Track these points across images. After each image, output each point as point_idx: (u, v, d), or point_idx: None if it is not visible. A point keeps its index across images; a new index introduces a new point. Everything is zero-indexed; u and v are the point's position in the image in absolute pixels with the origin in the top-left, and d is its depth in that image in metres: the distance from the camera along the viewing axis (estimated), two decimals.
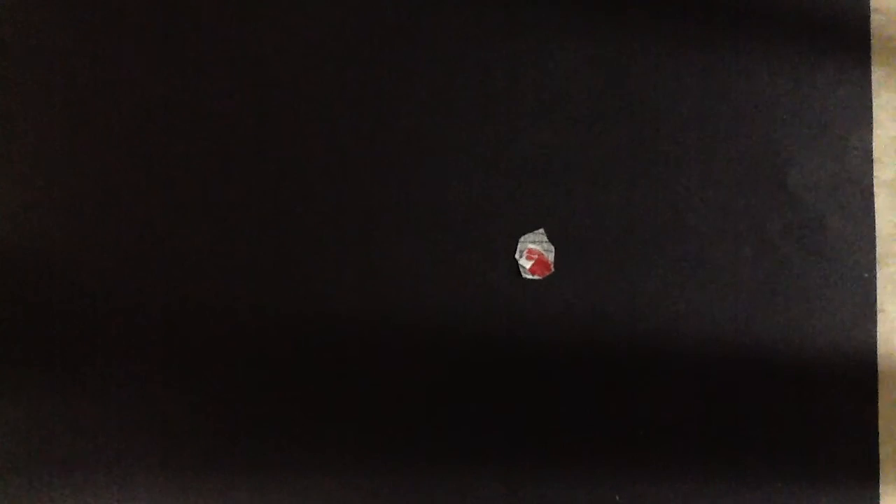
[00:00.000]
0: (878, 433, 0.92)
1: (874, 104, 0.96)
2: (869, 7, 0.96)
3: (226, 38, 0.93)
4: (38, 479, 0.88)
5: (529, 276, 0.90)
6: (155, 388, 0.89)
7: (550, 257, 0.90)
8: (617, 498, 0.90)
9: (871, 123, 0.95)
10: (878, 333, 0.93)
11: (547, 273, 0.90)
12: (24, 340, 0.89)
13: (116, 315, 0.90)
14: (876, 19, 0.96)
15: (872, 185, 0.94)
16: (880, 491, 0.91)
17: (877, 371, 0.92)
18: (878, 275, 0.93)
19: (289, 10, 0.93)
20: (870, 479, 0.91)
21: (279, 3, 0.93)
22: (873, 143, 0.95)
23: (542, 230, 0.91)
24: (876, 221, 0.94)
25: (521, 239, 0.90)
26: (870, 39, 0.96)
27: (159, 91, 0.92)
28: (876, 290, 0.93)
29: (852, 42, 0.96)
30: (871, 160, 0.95)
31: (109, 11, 0.93)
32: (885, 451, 0.92)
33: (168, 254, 0.90)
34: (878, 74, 0.96)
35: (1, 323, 0.89)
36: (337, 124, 0.92)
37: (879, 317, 0.93)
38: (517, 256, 0.90)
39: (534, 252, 0.90)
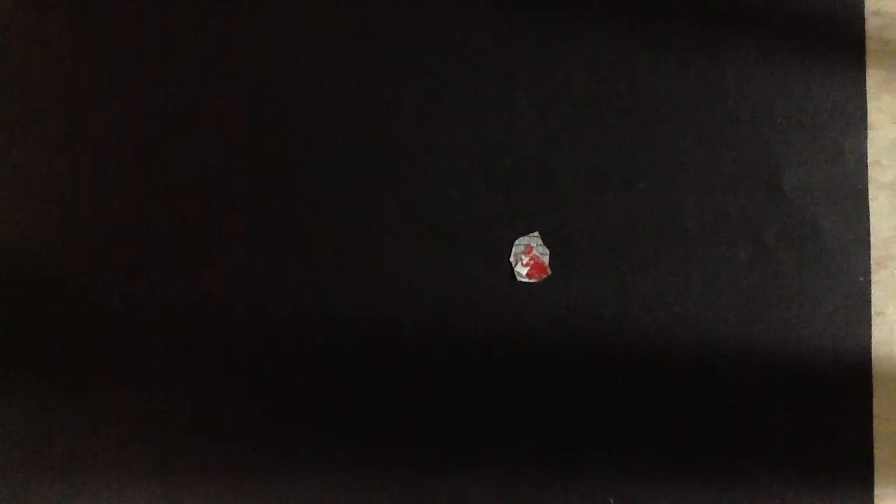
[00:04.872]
0: (872, 436, 0.92)
1: (873, 107, 0.95)
2: (863, 10, 0.96)
3: (224, 39, 0.93)
4: (36, 481, 0.89)
5: (525, 280, 0.90)
6: (152, 390, 0.90)
7: (546, 260, 0.90)
8: (611, 501, 0.90)
9: (866, 127, 0.95)
10: (873, 336, 0.93)
11: (543, 276, 0.90)
12: (21, 341, 0.90)
13: (114, 316, 0.90)
14: (873, 22, 0.96)
15: (867, 188, 0.94)
16: (875, 494, 0.91)
17: (871, 374, 0.92)
18: (876, 277, 0.93)
19: (287, 11, 0.94)
20: (865, 482, 0.91)
21: (278, 6, 0.94)
22: (869, 147, 0.95)
23: (536, 233, 0.91)
24: (874, 224, 0.94)
25: (517, 242, 0.91)
26: (864, 43, 0.96)
27: (159, 91, 0.93)
28: (871, 294, 0.93)
29: (847, 46, 0.96)
30: (866, 163, 0.95)
31: (109, 12, 0.93)
32: (879, 454, 0.92)
33: (165, 255, 0.91)
34: (876, 77, 0.95)
35: None
36: (333, 126, 0.93)
37: (877, 319, 0.93)
38: (512, 260, 0.90)
39: (529, 255, 0.90)
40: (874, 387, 0.92)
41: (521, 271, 0.90)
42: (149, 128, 0.93)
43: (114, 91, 0.93)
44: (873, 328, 0.93)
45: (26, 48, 0.94)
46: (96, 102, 0.93)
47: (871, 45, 0.96)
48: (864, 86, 0.96)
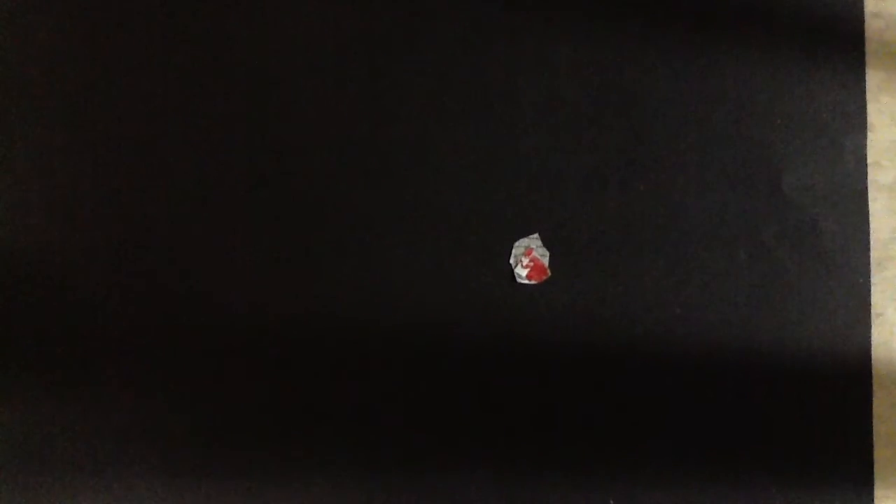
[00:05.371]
0: (872, 436, 0.92)
1: (873, 108, 0.96)
2: (863, 11, 0.96)
3: (225, 39, 0.94)
4: (35, 483, 0.89)
5: (525, 282, 0.90)
6: (152, 391, 0.90)
7: (545, 262, 0.90)
8: (611, 502, 0.90)
9: (866, 127, 0.95)
10: (873, 337, 0.93)
11: (543, 278, 0.90)
12: (21, 343, 0.90)
13: (114, 318, 0.91)
14: (873, 24, 0.96)
15: (867, 189, 0.94)
16: (875, 495, 0.91)
17: (871, 374, 0.92)
18: (876, 278, 0.93)
19: (287, 12, 0.94)
20: (865, 483, 0.91)
21: (278, 5, 0.94)
22: (869, 147, 0.95)
23: (536, 234, 0.91)
24: (874, 225, 0.94)
25: (516, 243, 0.91)
26: (864, 44, 0.96)
27: (159, 91, 0.93)
28: (870, 294, 0.93)
29: (847, 46, 0.96)
30: (866, 164, 0.95)
31: (108, 12, 0.94)
32: (880, 454, 0.92)
33: (165, 256, 0.91)
34: (876, 78, 0.96)
35: None
36: (333, 126, 0.93)
37: (877, 320, 0.93)
38: (511, 261, 0.91)
39: (529, 257, 0.90)
40: (874, 387, 0.92)
41: (521, 273, 0.90)
42: (149, 128, 0.93)
43: (114, 91, 0.93)
44: (873, 329, 0.93)
45: (26, 48, 0.94)
46: (96, 102, 0.93)
47: (870, 46, 0.96)
48: (864, 87, 0.96)
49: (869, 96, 0.96)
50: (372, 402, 0.91)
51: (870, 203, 0.94)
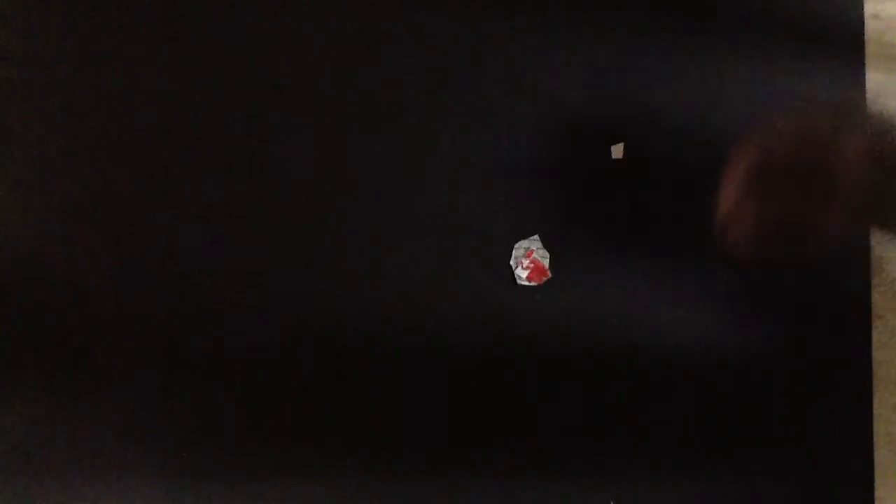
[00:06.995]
0: (872, 437, 0.92)
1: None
2: (863, 13, 0.96)
3: (225, 40, 0.94)
4: (36, 482, 0.89)
5: (525, 283, 0.90)
6: (152, 392, 0.90)
7: (546, 263, 0.90)
8: (611, 502, 0.90)
9: (866, 130, 0.95)
10: (873, 339, 0.93)
11: (543, 279, 0.90)
12: (21, 345, 0.90)
13: (114, 319, 0.90)
14: (872, 25, 0.97)
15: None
16: (875, 495, 0.91)
17: (872, 376, 0.92)
18: (876, 280, 0.93)
19: (286, 13, 0.94)
20: (865, 483, 0.91)
21: (277, 6, 0.94)
22: None
23: (536, 236, 0.91)
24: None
25: (517, 245, 0.91)
26: (864, 46, 0.96)
27: (158, 93, 0.93)
28: (871, 297, 0.93)
29: (846, 49, 0.96)
30: None
31: (108, 13, 0.94)
32: (880, 456, 0.92)
33: (166, 258, 0.91)
34: (875, 80, 0.96)
35: None
36: (333, 126, 0.93)
37: (877, 322, 0.93)
38: (512, 263, 0.91)
39: (529, 258, 0.90)
40: (874, 388, 0.92)
41: (522, 274, 0.90)
42: (149, 128, 0.93)
43: (114, 91, 0.93)
44: (873, 331, 0.93)
45: (26, 48, 0.94)
46: (96, 103, 0.93)
47: (870, 48, 0.97)
48: (864, 88, 0.96)
49: (868, 98, 0.96)
50: (371, 403, 0.90)
51: None
